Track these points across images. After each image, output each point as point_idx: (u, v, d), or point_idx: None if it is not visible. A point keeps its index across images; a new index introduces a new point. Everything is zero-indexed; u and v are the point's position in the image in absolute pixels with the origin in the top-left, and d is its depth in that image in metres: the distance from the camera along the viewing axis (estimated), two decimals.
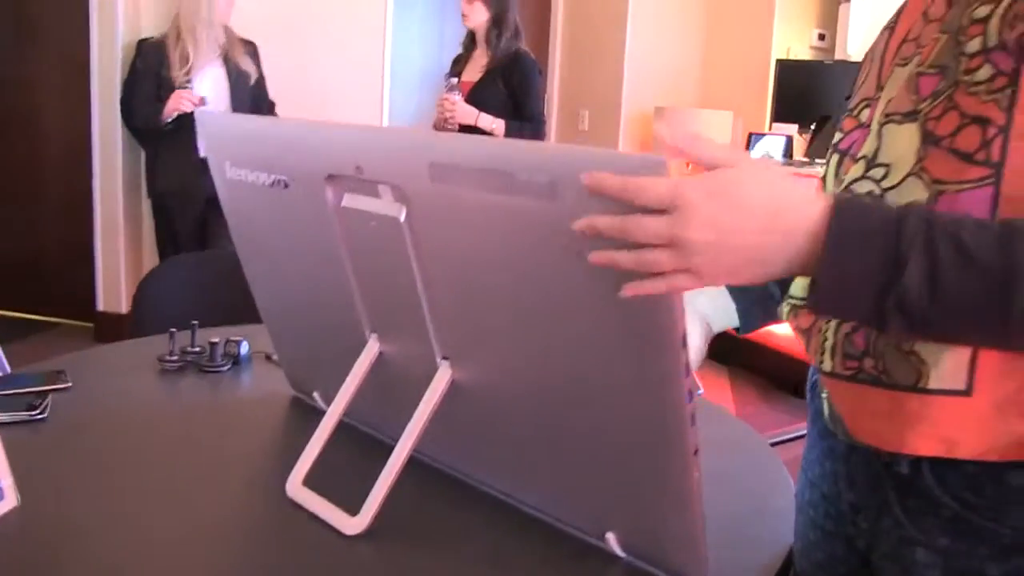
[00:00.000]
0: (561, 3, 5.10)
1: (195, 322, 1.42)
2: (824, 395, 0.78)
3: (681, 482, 0.79)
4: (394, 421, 0.98)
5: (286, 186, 1.00)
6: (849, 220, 0.61)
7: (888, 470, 0.73)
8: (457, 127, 3.28)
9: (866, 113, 0.78)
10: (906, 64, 0.75)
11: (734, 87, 4.75)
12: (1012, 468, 0.66)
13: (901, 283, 0.59)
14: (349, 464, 1.03)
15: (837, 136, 0.80)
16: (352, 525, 0.92)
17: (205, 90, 3.52)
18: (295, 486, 0.99)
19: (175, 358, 1.37)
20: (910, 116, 0.70)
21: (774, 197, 0.62)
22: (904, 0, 0.83)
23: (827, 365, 0.73)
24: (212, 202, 3.91)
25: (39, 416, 1.15)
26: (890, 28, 0.82)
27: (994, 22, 0.68)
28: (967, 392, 0.65)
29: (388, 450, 0.95)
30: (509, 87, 3.30)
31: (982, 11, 0.69)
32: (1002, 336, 0.61)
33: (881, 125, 0.73)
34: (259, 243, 1.14)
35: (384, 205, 0.89)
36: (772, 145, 4.32)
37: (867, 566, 0.78)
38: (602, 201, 0.63)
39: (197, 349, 1.40)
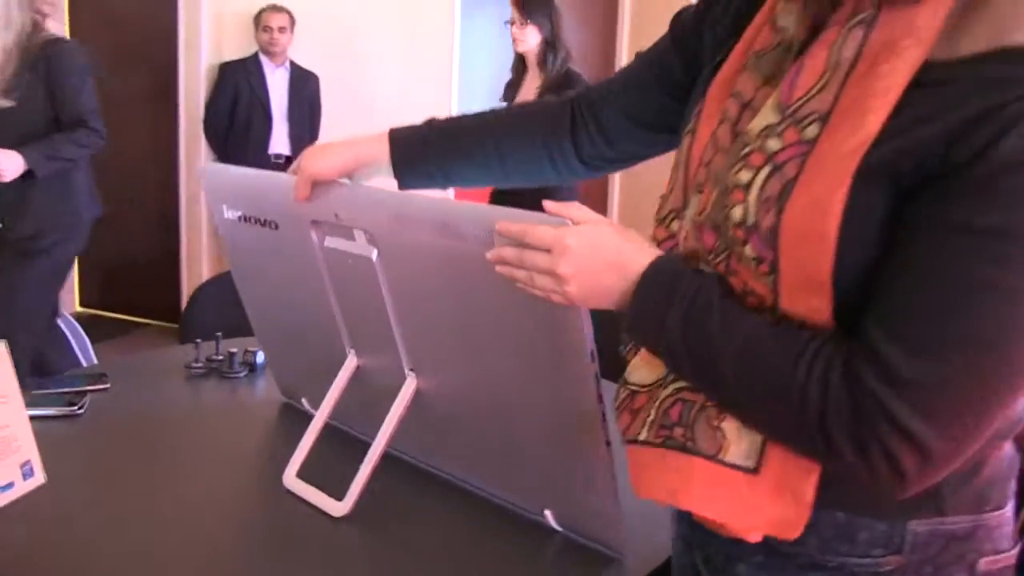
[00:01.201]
0: (626, 34, 5.21)
1: (219, 334, 1.62)
2: None
3: (597, 468, 0.96)
4: (370, 422, 1.15)
5: (276, 227, 1.19)
6: (653, 274, 0.75)
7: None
8: None
9: (676, 225, 0.81)
10: (701, 192, 0.78)
11: None
12: None
13: (666, 323, 0.73)
14: (334, 459, 1.19)
15: (654, 242, 0.84)
16: (338, 508, 1.10)
17: None
18: (290, 478, 1.17)
19: (200, 365, 1.58)
20: (705, 264, 0.76)
21: (620, 249, 0.77)
22: (702, 98, 0.82)
23: (643, 436, 0.80)
24: None
25: (78, 412, 1.36)
26: (692, 132, 0.82)
27: (753, 195, 0.70)
28: (755, 471, 0.73)
29: (366, 446, 1.13)
30: None
31: (744, 176, 0.71)
32: (719, 394, 0.73)
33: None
34: (253, 272, 1.33)
35: (359, 247, 1.07)
36: None
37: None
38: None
39: (220, 357, 1.60)
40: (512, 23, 3.25)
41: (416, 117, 1.08)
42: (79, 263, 4.77)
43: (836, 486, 0.73)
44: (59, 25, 3.76)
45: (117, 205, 4.73)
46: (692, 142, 0.81)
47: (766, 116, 0.72)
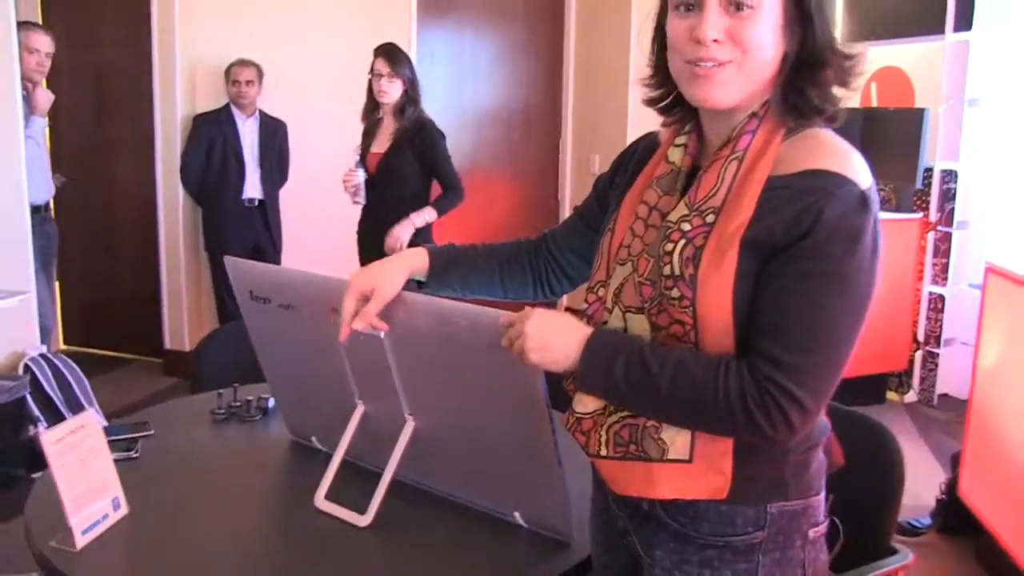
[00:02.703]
0: (572, 60, 5.62)
1: (236, 384, 1.97)
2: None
3: (552, 480, 1.34)
4: (376, 455, 1.51)
5: (296, 310, 1.54)
6: (595, 340, 1.11)
7: (633, 511, 1.20)
8: (363, 201, 3.58)
9: (601, 291, 1.17)
10: (624, 264, 1.14)
11: None
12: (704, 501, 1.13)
13: (614, 371, 1.08)
14: (346, 484, 1.54)
15: (584, 304, 1.21)
16: (363, 520, 1.45)
17: None
18: (320, 500, 1.51)
19: (222, 411, 1.92)
20: (640, 310, 1.11)
21: (572, 322, 1.14)
22: (616, 209, 1.21)
23: (604, 452, 1.15)
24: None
25: (134, 456, 1.71)
26: (611, 230, 1.19)
27: (675, 258, 1.07)
28: (689, 460, 1.11)
29: (370, 473, 1.49)
30: (416, 152, 3.56)
31: (668, 247, 1.08)
32: (662, 413, 1.09)
33: (623, 312, 1.13)
34: (272, 341, 1.68)
35: (370, 328, 1.42)
36: None
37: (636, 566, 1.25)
38: (492, 333, 1.18)
39: (238, 404, 1.95)
40: (380, 76, 3.54)
41: None
42: (62, 302, 5.05)
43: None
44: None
45: (100, 246, 5.04)
46: (612, 236, 1.20)
47: (679, 211, 1.11)
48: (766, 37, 1.07)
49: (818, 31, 1.08)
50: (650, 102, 1.24)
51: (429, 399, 1.46)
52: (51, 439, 1.33)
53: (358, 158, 3.65)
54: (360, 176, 3.55)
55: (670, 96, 1.21)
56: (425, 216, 3.59)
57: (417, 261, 1.39)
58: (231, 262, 1.60)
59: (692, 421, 1.09)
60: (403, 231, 3.54)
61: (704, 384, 1.04)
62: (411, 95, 3.58)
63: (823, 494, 1.19)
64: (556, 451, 1.32)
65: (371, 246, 3.66)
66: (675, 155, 1.18)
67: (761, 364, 1.02)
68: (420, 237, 3.56)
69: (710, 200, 1.09)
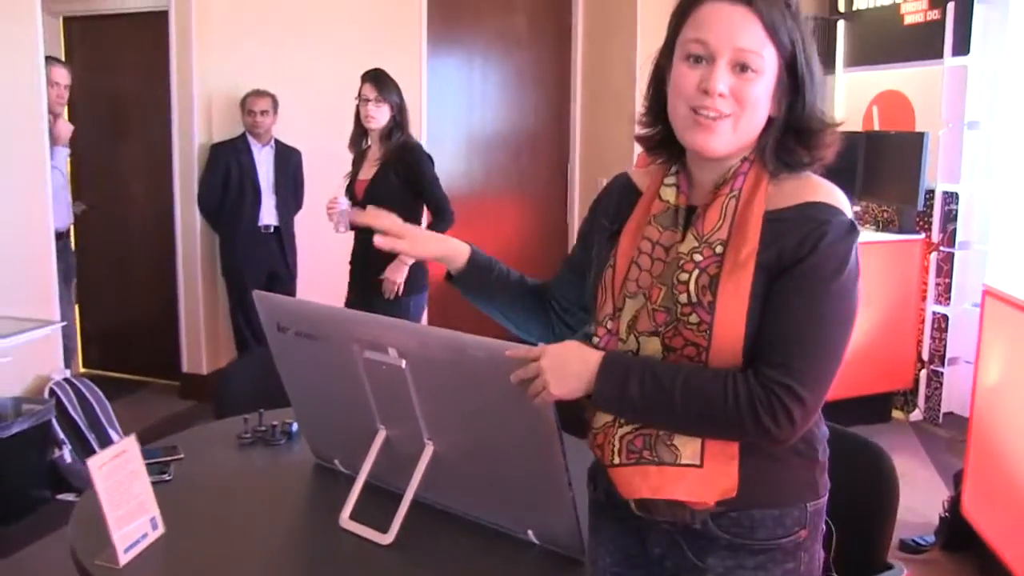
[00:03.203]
0: (579, 86, 5.73)
1: (262, 410, 2.06)
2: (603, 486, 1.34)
3: (563, 501, 1.43)
4: (396, 477, 1.60)
5: (322, 340, 1.63)
6: (607, 363, 1.21)
7: (682, 531, 1.27)
8: (345, 229, 3.48)
9: (611, 324, 1.26)
10: (635, 296, 1.24)
11: None
12: (752, 508, 1.22)
13: (628, 388, 1.18)
14: (373, 504, 1.62)
15: (595, 340, 1.30)
16: (385, 539, 1.53)
17: None
18: (344, 519, 1.60)
19: (248, 436, 2.01)
20: (653, 334, 1.22)
21: (583, 349, 1.23)
22: (613, 246, 1.30)
23: (616, 460, 1.25)
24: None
25: (167, 479, 1.80)
26: (612, 266, 1.28)
27: (691, 286, 1.18)
28: (700, 466, 1.21)
29: (390, 494, 1.58)
30: (402, 177, 3.50)
31: (683, 276, 1.20)
32: (675, 423, 1.19)
33: (636, 337, 1.23)
34: (298, 370, 1.77)
35: (392, 358, 1.50)
36: None
37: None
38: (510, 364, 1.26)
39: (263, 428, 2.04)
40: (367, 101, 3.51)
41: None
42: (81, 326, 5.16)
43: (770, 497, 1.23)
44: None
45: (119, 271, 5.15)
46: (614, 272, 1.29)
47: (689, 243, 1.22)
48: (762, 98, 1.20)
49: (808, 101, 1.22)
50: (640, 139, 1.35)
51: (447, 425, 1.55)
52: (96, 464, 1.42)
53: (345, 186, 3.62)
54: (343, 204, 3.49)
55: (659, 136, 1.32)
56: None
57: (458, 248, 1.46)
58: (259, 296, 1.70)
59: (704, 429, 1.20)
60: (396, 273, 3.49)
61: (715, 395, 1.15)
62: (399, 120, 3.55)
63: None
64: (567, 473, 1.40)
65: (360, 277, 3.64)
66: (669, 194, 1.29)
67: (767, 370, 1.15)
68: (415, 268, 3.53)
69: (716, 233, 1.21)
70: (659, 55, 1.29)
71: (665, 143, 1.31)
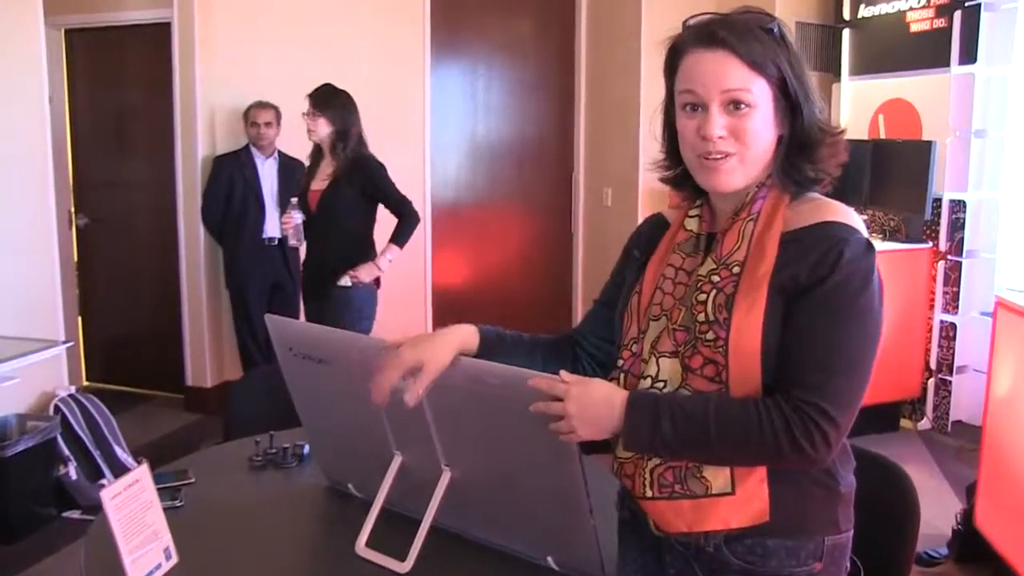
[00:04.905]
0: (583, 96, 5.71)
1: (272, 432, 2.04)
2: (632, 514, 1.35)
3: (584, 527, 1.40)
4: (413, 503, 1.57)
5: (332, 364, 1.61)
6: (634, 405, 1.20)
7: (695, 553, 1.27)
8: (298, 243, 3.75)
9: (636, 347, 1.29)
10: (658, 319, 1.27)
11: None
12: (767, 537, 1.22)
13: (661, 427, 1.17)
14: (389, 531, 1.59)
15: (620, 361, 1.32)
16: (403, 567, 1.50)
17: None
18: (360, 547, 1.58)
19: (259, 458, 1.99)
20: (673, 354, 1.25)
21: (607, 392, 1.23)
22: (640, 275, 1.34)
23: (648, 493, 1.25)
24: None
25: (179, 504, 1.78)
26: (638, 292, 1.32)
27: (709, 305, 1.20)
28: (732, 493, 1.21)
29: (409, 520, 1.54)
30: (357, 187, 3.62)
31: (701, 297, 1.22)
32: (710, 455, 1.18)
33: (657, 359, 1.26)
34: (310, 394, 1.75)
35: (408, 384, 1.47)
36: None
37: None
38: (530, 393, 1.24)
39: (274, 451, 2.01)
40: (305, 115, 3.67)
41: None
42: (84, 339, 5.14)
43: (785, 527, 1.22)
44: None
45: (122, 283, 5.13)
46: (639, 297, 1.33)
47: (707, 266, 1.25)
48: (762, 129, 1.24)
49: (805, 116, 1.25)
50: (665, 180, 1.40)
51: (465, 450, 1.52)
52: (109, 495, 1.40)
53: (295, 200, 3.72)
54: (297, 218, 3.65)
55: (680, 175, 1.36)
56: (388, 257, 3.69)
57: (468, 339, 1.45)
58: (272, 320, 1.68)
59: (739, 459, 1.20)
60: (365, 274, 3.65)
61: (748, 423, 1.16)
62: (340, 132, 3.63)
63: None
64: (588, 500, 1.38)
65: (314, 285, 3.80)
66: (692, 224, 1.34)
67: (798, 392, 1.15)
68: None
69: (734, 255, 1.24)
70: (665, 102, 1.34)
71: (687, 178, 1.34)
